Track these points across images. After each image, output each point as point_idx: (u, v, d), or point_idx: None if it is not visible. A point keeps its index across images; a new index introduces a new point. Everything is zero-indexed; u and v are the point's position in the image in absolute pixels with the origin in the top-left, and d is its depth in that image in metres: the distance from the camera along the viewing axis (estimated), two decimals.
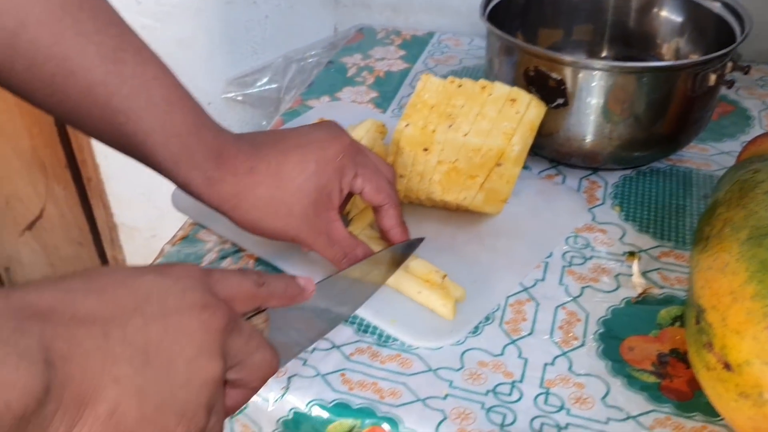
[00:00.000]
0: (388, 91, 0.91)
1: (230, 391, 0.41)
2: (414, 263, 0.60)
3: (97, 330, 0.33)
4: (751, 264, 0.45)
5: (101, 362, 0.33)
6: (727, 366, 0.44)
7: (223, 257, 0.66)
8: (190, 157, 0.54)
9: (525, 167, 0.74)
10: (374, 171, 0.60)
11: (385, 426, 0.52)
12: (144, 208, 1.47)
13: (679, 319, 0.59)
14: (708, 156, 0.78)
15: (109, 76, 0.51)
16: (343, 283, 0.56)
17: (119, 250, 1.57)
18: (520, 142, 0.63)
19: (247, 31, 1.17)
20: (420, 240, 0.63)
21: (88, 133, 0.56)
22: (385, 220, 0.61)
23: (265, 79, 1.14)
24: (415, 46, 1.02)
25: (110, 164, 1.43)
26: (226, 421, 0.56)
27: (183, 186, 0.56)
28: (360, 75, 0.95)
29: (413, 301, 0.60)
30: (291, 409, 0.54)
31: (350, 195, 0.61)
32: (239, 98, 1.18)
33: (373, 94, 0.91)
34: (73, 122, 0.55)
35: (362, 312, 0.60)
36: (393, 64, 0.98)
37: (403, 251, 0.61)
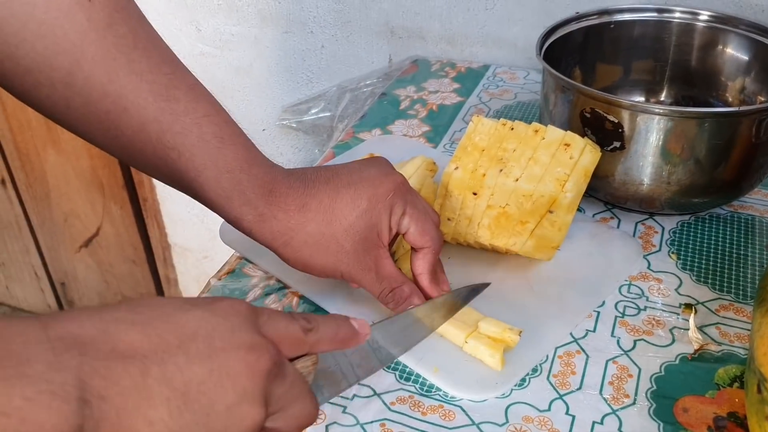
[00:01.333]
0: (440, 125, 0.90)
1: None
2: (483, 323, 0.58)
3: (136, 367, 0.32)
4: None
5: (137, 403, 0.32)
6: None
7: (268, 294, 0.66)
8: (241, 193, 0.54)
9: (578, 209, 0.72)
10: (422, 212, 0.59)
11: None
12: (197, 230, 1.49)
13: (739, 380, 0.56)
14: None
15: (162, 114, 0.52)
16: (399, 323, 0.55)
17: (171, 269, 1.60)
18: (574, 188, 0.61)
19: (303, 60, 1.18)
20: (485, 285, 0.61)
21: (142, 169, 0.56)
22: (419, 263, 0.60)
23: (319, 108, 1.15)
24: (469, 78, 1.01)
25: (166, 186, 1.45)
26: None
27: (234, 222, 0.56)
28: (413, 108, 0.94)
29: (458, 349, 0.58)
30: None
31: (397, 234, 0.60)
32: (293, 125, 1.19)
33: (425, 128, 0.90)
34: (127, 159, 0.56)
35: (405, 359, 0.58)
36: (446, 97, 0.97)
37: (465, 296, 0.60)
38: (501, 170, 0.62)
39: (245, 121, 1.23)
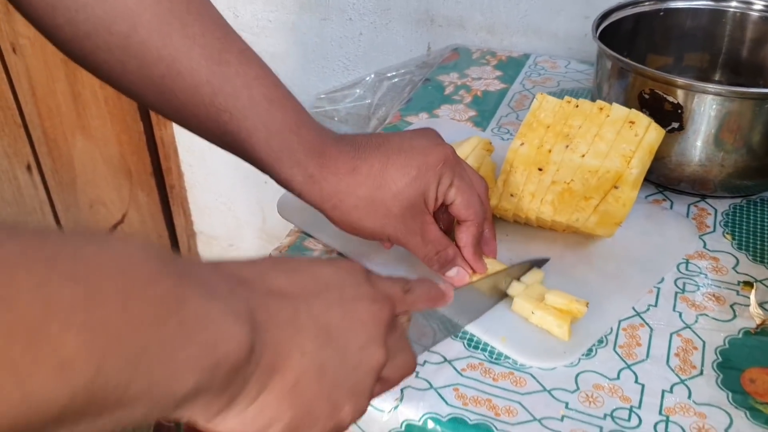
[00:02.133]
0: (486, 110, 0.91)
1: None
2: (550, 295, 0.59)
3: (288, 305, 0.36)
4: None
5: (291, 334, 0.35)
6: None
7: None
8: (291, 154, 0.56)
9: None
10: (469, 185, 0.60)
11: None
12: (223, 218, 1.50)
13: None
14: None
15: (214, 76, 0.53)
16: (465, 295, 0.56)
17: (196, 257, 1.60)
18: (639, 165, 0.62)
19: (340, 47, 1.19)
20: (545, 260, 0.62)
21: (195, 131, 0.58)
22: (463, 236, 0.61)
23: (355, 95, 1.16)
24: (511, 67, 1.02)
25: (195, 173, 1.46)
26: None
27: (284, 183, 0.57)
28: (457, 93, 0.95)
29: (524, 321, 0.59)
30: (404, 422, 0.54)
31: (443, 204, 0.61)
32: (329, 113, 1.20)
33: (472, 113, 0.91)
34: (181, 121, 0.57)
35: (472, 328, 0.59)
36: (490, 83, 0.98)
37: (526, 270, 0.61)
38: (567, 146, 0.63)
39: None
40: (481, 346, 0.58)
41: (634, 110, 0.64)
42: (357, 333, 0.38)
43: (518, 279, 0.62)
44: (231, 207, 1.46)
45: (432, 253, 0.60)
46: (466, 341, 0.59)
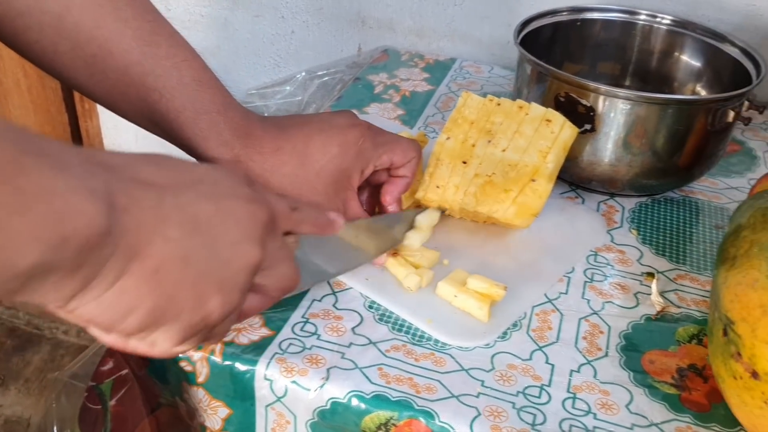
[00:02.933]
0: (414, 109, 0.95)
1: (249, 295, 0.43)
2: (472, 280, 0.63)
3: (154, 193, 0.35)
4: None
5: (154, 221, 0.35)
6: (755, 374, 0.48)
7: None
8: (218, 134, 0.58)
9: None
10: (395, 140, 0.65)
11: (422, 419, 0.54)
12: None
13: (696, 338, 0.62)
14: (718, 189, 0.82)
15: (145, 57, 0.56)
16: (336, 244, 0.60)
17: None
18: (554, 160, 0.67)
19: (272, 45, 1.21)
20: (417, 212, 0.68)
21: (123, 113, 0.60)
22: (409, 170, 0.65)
23: (286, 92, 1.18)
24: (438, 69, 1.06)
25: None
26: (263, 408, 0.59)
27: (211, 163, 0.59)
28: (386, 93, 0.99)
29: (448, 304, 0.63)
30: (329, 399, 0.56)
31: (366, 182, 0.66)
32: (259, 108, 1.21)
33: (400, 112, 0.94)
34: (110, 102, 0.59)
35: (399, 311, 0.62)
36: (418, 85, 1.01)
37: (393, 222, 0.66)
38: (489, 141, 0.67)
39: None
40: (404, 329, 0.61)
41: (550, 109, 0.69)
42: (229, 228, 0.38)
43: (412, 227, 0.66)
44: None
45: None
46: (390, 325, 0.62)
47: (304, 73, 1.14)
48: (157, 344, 0.38)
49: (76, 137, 1.44)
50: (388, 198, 0.66)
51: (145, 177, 0.36)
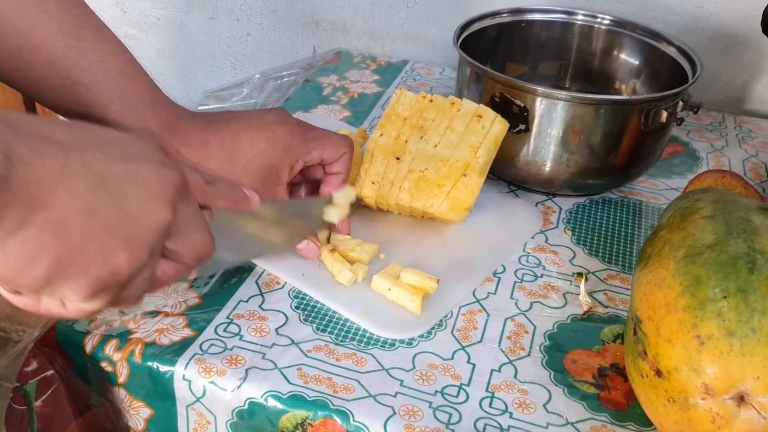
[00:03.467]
0: (360, 111, 0.95)
1: (163, 262, 0.42)
2: (406, 274, 0.64)
3: (59, 149, 0.35)
4: (685, 279, 0.49)
5: (58, 173, 0.34)
6: (659, 373, 0.48)
7: None
8: (145, 128, 0.58)
9: (486, 186, 0.78)
10: (325, 136, 0.65)
11: (337, 418, 0.54)
12: None
13: (621, 337, 0.62)
14: (657, 190, 0.82)
15: (70, 51, 0.56)
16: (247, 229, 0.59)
17: None
18: (485, 155, 0.67)
19: (228, 47, 1.20)
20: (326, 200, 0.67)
21: (52, 106, 0.59)
22: (342, 166, 0.65)
23: (242, 94, 1.17)
24: (389, 71, 1.06)
25: None
26: (184, 408, 0.58)
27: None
28: (335, 95, 0.99)
29: (382, 297, 0.63)
30: (247, 399, 0.56)
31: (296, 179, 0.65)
32: (216, 110, 1.21)
33: (346, 113, 0.94)
34: (37, 95, 0.59)
35: (333, 304, 0.63)
36: (367, 86, 1.01)
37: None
38: (421, 137, 0.68)
39: None
40: (329, 329, 0.61)
41: (482, 105, 0.69)
42: (138, 188, 0.38)
43: (330, 203, 0.66)
44: None
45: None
46: (315, 325, 0.62)
47: (258, 76, 1.14)
48: (67, 300, 0.38)
49: None
50: (327, 189, 0.66)
51: (51, 135, 0.35)
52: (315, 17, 1.13)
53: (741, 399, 0.45)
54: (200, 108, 1.23)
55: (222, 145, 0.60)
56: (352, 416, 0.54)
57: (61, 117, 0.58)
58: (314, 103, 0.96)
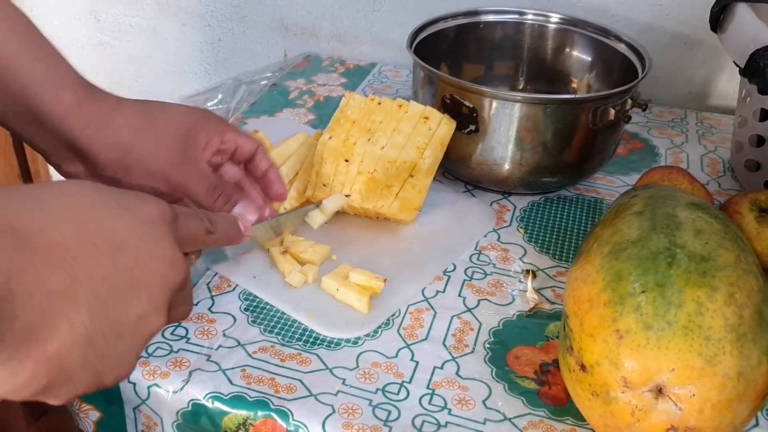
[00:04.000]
0: (325, 114, 0.96)
1: None
2: (354, 274, 0.65)
3: (66, 272, 0.33)
4: (607, 274, 0.49)
5: (62, 305, 0.33)
6: (583, 367, 0.49)
7: None
8: (59, 79, 0.54)
9: (443, 186, 0.79)
10: (238, 130, 0.63)
11: (276, 418, 0.55)
12: None
13: None
14: (614, 187, 0.83)
15: None
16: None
17: None
18: (432, 155, 0.68)
19: (200, 52, 1.22)
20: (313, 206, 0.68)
21: None
22: (263, 163, 0.64)
23: (216, 99, 1.18)
24: (356, 74, 1.07)
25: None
26: (131, 410, 0.59)
27: (48, 111, 0.54)
28: (301, 98, 1.00)
29: (331, 297, 0.64)
30: (190, 401, 0.57)
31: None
32: None
33: (311, 117, 0.95)
34: None
35: (281, 305, 0.64)
36: (333, 90, 1.02)
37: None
38: (369, 139, 0.69)
39: None
40: (276, 330, 0.62)
41: (429, 107, 0.70)
42: (140, 302, 0.36)
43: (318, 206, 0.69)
44: None
45: (212, 188, 0.60)
46: (263, 327, 0.63)
47: (231, 81, 1.15)
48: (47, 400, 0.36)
49: (18, 147, 1.44)
50: (276, 187, 0.65)
51: (60, 242, 0.33)
52: (284, 22, 1.14)
53: (659, 391, 0.45)
54: None
55: (136, 105, 0.57)
56: (292, 415, 0.55)
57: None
58: (279, 107, 0.97)
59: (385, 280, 0.64)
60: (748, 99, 0.78)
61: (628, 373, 0.46)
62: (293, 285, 0.65)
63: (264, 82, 1.14)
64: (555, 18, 0.86)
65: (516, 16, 0.87)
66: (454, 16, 0.86)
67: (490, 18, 0.87)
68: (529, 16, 0.86)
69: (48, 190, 0.36)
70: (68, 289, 0.33)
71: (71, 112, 0.55)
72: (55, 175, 1.45)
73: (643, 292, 0.47)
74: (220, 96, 1.19)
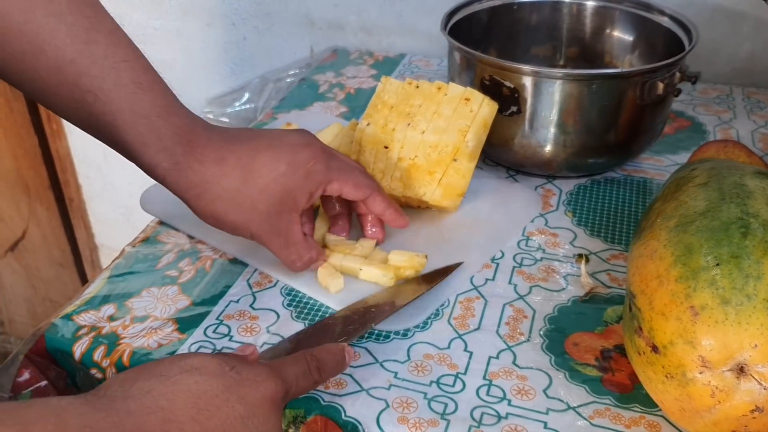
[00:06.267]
0: (357, 106, 0.93)
1: None
2: (392, 255, 0.63)
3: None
4: (676, 249, 0.46)
5: None
6: (655, 348, 0.46)
7: (181, 258, 0.68)
8: (158, 139, 0.55)
9: (484, 172, 0.76)
10: (349, 170, 0.61)
11: (329, 415, 0.52)
12: (123, 229, 1.48)
13: None
14: (663, 167, 0.79)
15: (80, 56, 0.52)
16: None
17: (99, 272, 1.58)
18: (474, 138, 0.65)
19: (225, 52, 1.20)
20: (458, 264, 0.64)
21: (59, 112, 0.56)
22: (375, 207, 0.63)
23: (243, 99, 1.17)
24: (386, 65, 1.05)
25: (92, 185, 1.45)
26: None
27: (148, 169, 0.56)
28: (331, 91, 0.97)
29: (375, 291, 0.62)
30: None
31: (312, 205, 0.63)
32: (219, 117, 1.20)
33: (343, 109, 0.93)
34: (44, 100, 0.55)
35: (326, 300, 0.62)
36: (364, 81, 1.00)
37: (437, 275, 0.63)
38: (408, 124, 0.66)
39: None
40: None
41: (469, 89, 0.67)
42: None
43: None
44: (130, 218, 1.45)
45: (293, 257, 0.61)
46: (309, 321, 0.60)
47: (257, 79, 1.14)
48: None
49: (47, 158, 1.44)
50: (396, 224, 0.65)
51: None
52: (309, 16, 1.12)
53: (740, 370, 0.42)
54: (203, 116, 1.23)
55: (239, 164, 0.57)
56: (344, 411, 0.52)
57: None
58: (310, 101, 0.95)
59: (426, 256, 0.62)
60: None
61: (706, 352, 0.43)
62: (334, 292, 0.62)
63: (291, 79, 1.12)
64: None
65: None
66: None
67: None
68: None
69: (169, 383, 0.42)
70: None
71: (169, 176, 0.56)
72: (77, 156, 1.43)
73: (718, 264, 0.44)
74: (247, 95, 1.17)
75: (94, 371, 0.58)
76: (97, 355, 0.58)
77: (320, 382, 0.50)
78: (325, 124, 0.84)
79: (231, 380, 0.43)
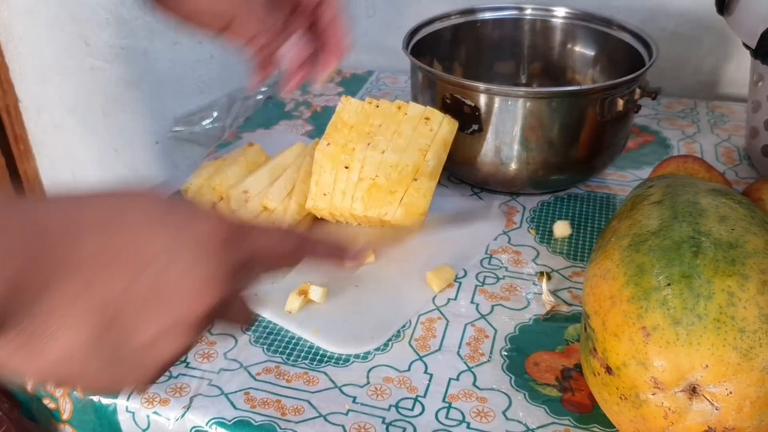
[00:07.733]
0: (323, 124, 0.91)
1: None
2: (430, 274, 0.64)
3: (80, 281, 0.33)
4: (629, 269, 0.46)
5: (69, 311, 0.33)
6: (609, 369, 0.45)
7: None
8: None
9: (449, 190, 0.76)
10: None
11: None
12: None
13: None
14: (627, 182, 0.79)
15: None
16: None
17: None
18: (435, 157, 0.65)
19: (193, 71, 1.19)
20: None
21: None
22: (330, 10, 0.63)
23: (211, 117, 1.16)
24: (354, 83, 1.04)
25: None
26: None
27: None
28: (297, 110, 0.97)
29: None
30: (192, 428, 0.53)
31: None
32: (186, 136, 1.19)
33: (309, 127, 0.92)
34: None
35: (286, 323, 0.61)
36: (330, 99, 1.00)
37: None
38: (369, 144, 0.66)
39: (138, 134, 1.23)
40: (280, 350, 0.59)
41: (429, 108, 0.67)
42: (158, 318, 0.35)
43: None
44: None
45: (263, 32, 0.60)
46: (266, 347, 0.59)
47: (225, 98, 1.13)
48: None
49: (16, 179, 1.42)
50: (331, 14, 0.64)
51: (82, 249, 0.33)
52: None
53: (693, 391, 0.42)
54: (171, 134, 1.22)
55: None
56: None
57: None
58: (275, 120, 0.94)
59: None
60: (760, 83, 0.75)
61: (658, 373, 0.42)
62: (292, 311, 0.62)
63: (259, 96, 1.12)
64: (555, 11, 0.83)
65: (514, 12, 0.84)
66: (450, 15, 0.83)
67: (488, 15, 0.84)
68: (528, 11, 0.83)
69: (95, 200, 0.36)
70: (78, 298, 0.33)
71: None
72: (46, 177, 1.42)
73: (669, 284, 0.44)
74: (215, 114, 1.16)
75: (46, 401, 0.57)
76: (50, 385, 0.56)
77: (299, 256, 0.42)
78: (288, 143, 0.84)
79: (166, 207, 0.37)
